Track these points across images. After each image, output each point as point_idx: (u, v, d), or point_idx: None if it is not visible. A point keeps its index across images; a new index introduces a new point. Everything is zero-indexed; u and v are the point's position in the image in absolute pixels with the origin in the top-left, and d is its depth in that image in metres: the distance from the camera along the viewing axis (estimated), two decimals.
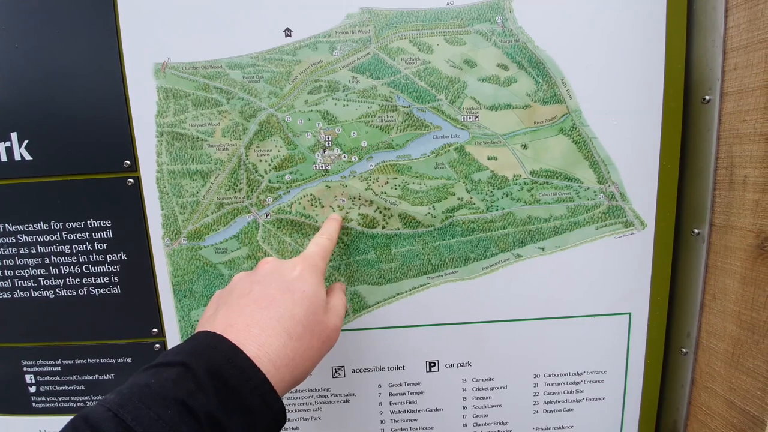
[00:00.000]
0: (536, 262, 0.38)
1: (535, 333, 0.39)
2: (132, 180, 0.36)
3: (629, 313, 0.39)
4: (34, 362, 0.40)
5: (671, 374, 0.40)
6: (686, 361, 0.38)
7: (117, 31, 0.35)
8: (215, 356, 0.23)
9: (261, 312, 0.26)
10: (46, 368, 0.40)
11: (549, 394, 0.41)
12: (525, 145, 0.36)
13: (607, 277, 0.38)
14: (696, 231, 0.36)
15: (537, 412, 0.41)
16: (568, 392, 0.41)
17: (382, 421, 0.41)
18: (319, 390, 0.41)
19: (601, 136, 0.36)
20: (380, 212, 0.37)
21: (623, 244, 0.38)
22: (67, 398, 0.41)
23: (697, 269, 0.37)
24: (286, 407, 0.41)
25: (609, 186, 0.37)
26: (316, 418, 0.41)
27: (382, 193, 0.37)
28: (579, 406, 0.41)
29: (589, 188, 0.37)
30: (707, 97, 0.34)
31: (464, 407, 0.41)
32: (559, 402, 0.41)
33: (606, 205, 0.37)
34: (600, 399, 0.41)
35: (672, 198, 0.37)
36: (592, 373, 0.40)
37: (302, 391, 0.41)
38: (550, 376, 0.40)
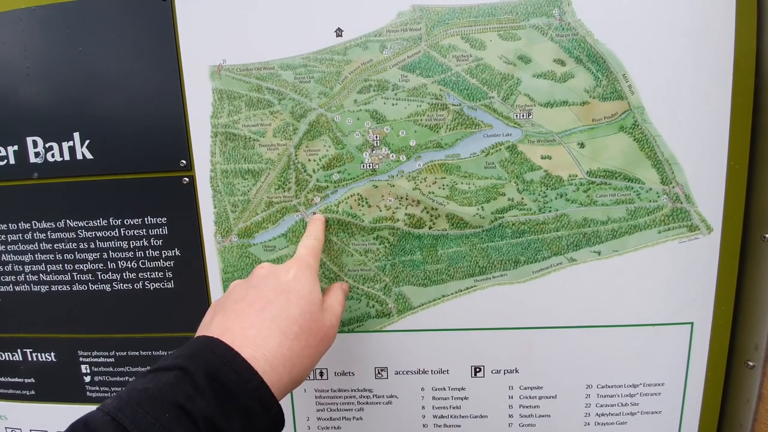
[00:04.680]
0: (591, 266, 0.36)
1: (588, 341, 0.37)
2: (187, 179, 0.38)
3: (691, 323, 0.37)
4: (89, 353, 0.42)
5: (735, 388, 0.38)
6: (753, 375, 0.36)
7: (175, 35, 0.36)
8: (213, 360, 0.24)
9: (256, 314, 0.27)
10: (101, 359, 0.42)
11: (602, 405, 0.39)
12: (582, 143, 0.35)
13: (668, 284, 0.36)
14: (766, 236, 0.34)
15: (588, 424, 0.39)
16: (622, 404, 0.39)
17: (424, 425, 0.40)
18: (361, 390, 0.40)
19: (666, 133, 0.34)
20: (427, 212, 0.37)
21: (686, 249, 0.36)
22: (119, 388, 0.42)
23: None
24: (329, 405, 0.41)
25: (673, 187, 0.35)
26: (358, 419, 0.41)
27: (429, 192, 0.36)
28: (633, 420, 0.39)
29: (651, 189, 0.35)
30: None
31: (510, 415, 0.40)
32: (612, 414, 0.39)
33: (669, 207, 0.35)
34: (656, 413, 0.39)
35: (740, 200, 0.35)
36: (648, 385, 0.38)
37: (345, 390, 0.41)
38: (603, 387, 0.38)
